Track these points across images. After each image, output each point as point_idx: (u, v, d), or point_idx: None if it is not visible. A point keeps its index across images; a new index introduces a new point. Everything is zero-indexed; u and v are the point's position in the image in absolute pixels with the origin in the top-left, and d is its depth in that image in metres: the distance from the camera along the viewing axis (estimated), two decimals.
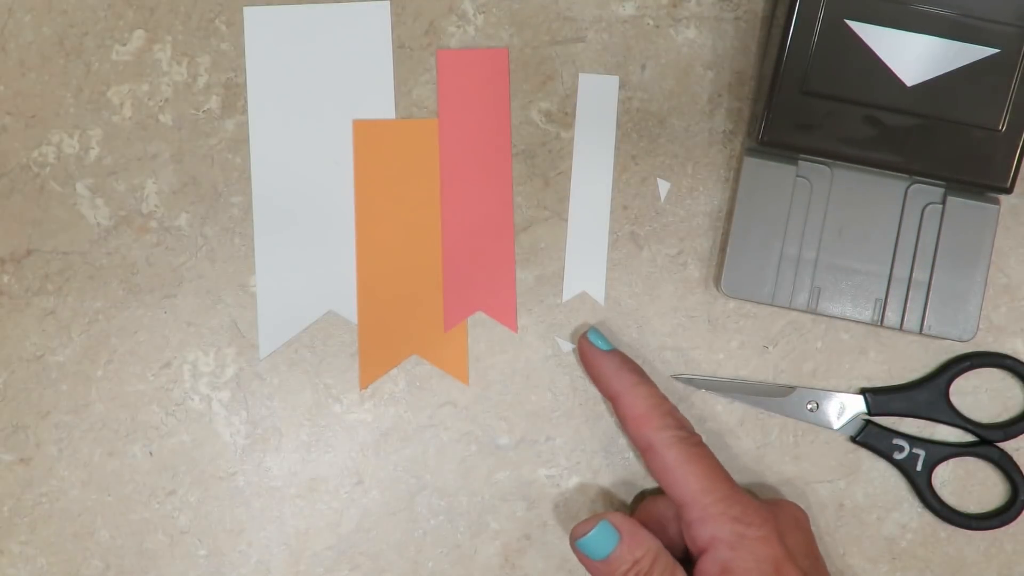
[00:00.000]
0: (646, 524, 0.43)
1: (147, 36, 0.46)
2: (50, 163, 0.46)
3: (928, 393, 0.46)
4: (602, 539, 0.41)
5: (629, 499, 0.47)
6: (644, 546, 0.41)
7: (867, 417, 0.46)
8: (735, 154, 0.46)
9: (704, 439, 0.42)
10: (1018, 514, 0.46)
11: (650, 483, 0.47)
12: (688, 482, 0.41)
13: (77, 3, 0.46)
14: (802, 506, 0.44)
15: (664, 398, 0.43)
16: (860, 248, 0.44)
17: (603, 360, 0.44)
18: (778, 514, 0.42)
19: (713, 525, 0.40)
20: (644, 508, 0.45)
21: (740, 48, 0.46)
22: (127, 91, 0.46)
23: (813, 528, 0.44)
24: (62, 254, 0.46)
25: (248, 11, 0.46)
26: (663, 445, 0.42)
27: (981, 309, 0.44)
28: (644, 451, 0.42)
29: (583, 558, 0.42)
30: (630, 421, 0.43)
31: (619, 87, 0.46)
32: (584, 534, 0.42)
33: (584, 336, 0.45)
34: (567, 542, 0.46)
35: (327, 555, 0.46)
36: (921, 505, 0.46)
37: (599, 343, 0.45)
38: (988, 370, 0.46)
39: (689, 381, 0.46)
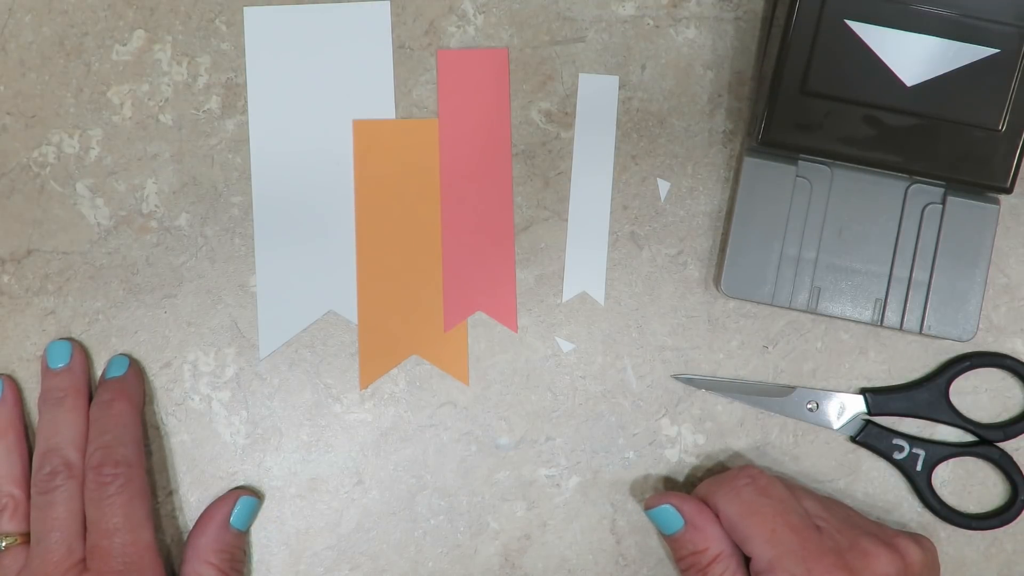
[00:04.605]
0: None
1: (147, 36, 0.46)
2: (50, 163, 0.46)
3: (928, 393, 0.46)
4: (666, 519, 0.43)
5: (628, 499, 0.47)
6: (706, 541, 0.41)
7: (867, 417, 0.46)
8: (735, 154, 0.46)
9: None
10: (1018, 514, 0.46)
11: (654, 478, 0.46)
12: (752, 535, 0.40)
13: (77, 3, 0.46)
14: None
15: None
16: (860, 248, 0.44)
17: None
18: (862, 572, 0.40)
19: None
20: None
21: (740, 48, 0.46)
22: (127, 91, 0.46)
23: None
24: (62, 254, 0.46)
25: (248, 11, 0.46)
26: (724, 503, 0.41)
27: (981, 309, 0.44)
28: (719, 517, 0.42)
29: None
30: (705, 513, 0.42)
31: (619, 87, 0.46)
32: (651, 507, 0.43)
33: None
34: (567, 542, 0.46)
35: (327, 555, 0.46)
36: (921, 505, 0.46)
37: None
38: (988, 370, 0.46)
39: (689, 381, 0.46)
